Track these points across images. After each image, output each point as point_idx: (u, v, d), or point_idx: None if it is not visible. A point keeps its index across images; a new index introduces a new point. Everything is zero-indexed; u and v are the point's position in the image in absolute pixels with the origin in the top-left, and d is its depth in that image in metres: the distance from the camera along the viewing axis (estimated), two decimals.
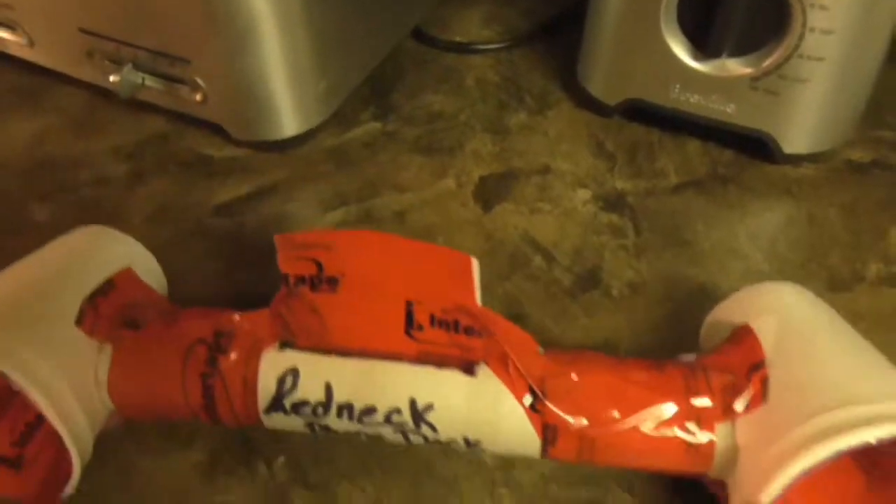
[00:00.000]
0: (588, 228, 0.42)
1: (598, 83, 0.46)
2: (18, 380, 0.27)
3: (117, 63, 0.43)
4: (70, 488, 0.30)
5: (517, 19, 0.55)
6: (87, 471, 0.31)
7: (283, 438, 0.34)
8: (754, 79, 0.40)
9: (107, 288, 0.32)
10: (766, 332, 0.29)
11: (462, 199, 0.44)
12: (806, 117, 0.41)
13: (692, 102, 0.43)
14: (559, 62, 0.52)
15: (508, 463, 0.33)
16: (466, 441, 0.31)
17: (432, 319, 0.30)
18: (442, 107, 0.49)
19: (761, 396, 0.27)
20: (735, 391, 0.28)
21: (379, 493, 0.33)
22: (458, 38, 0.53)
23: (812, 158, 0.44)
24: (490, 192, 0.44)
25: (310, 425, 0.31)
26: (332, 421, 0.31)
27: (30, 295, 0.31)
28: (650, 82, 0.43)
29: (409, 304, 0.30)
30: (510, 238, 0.42)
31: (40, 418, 0.32)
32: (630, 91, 0.45)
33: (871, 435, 0.24)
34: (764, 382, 0.28)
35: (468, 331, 0.30)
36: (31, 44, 0.46)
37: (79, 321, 0.30)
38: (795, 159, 0.44)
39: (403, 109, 0.49)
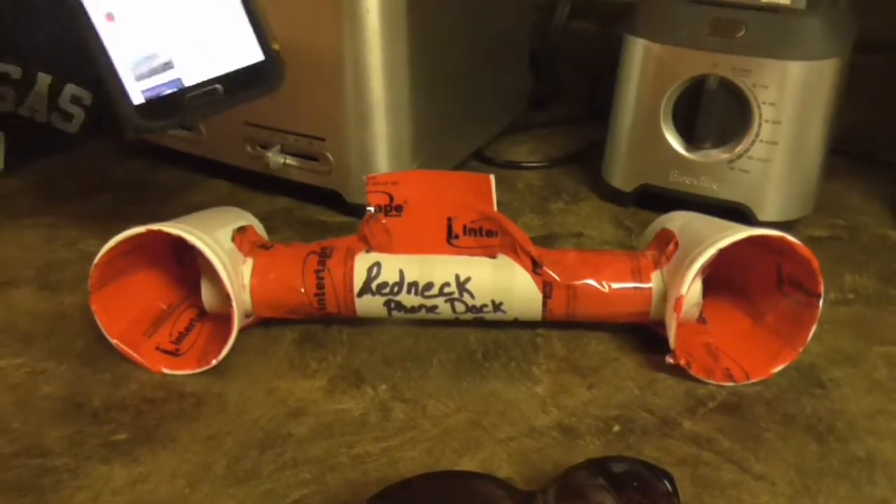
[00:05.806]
0: None
1: (618, 175, 0.62)
2: (210, 257, 0.43)
3: (266, 147, 0.60)
4: (225, 351, 0.44)
5: (553, 151, 0.73)
6: (240, 389, 0.44)
7: (385, 372, 0.45)
8: (730, 161, 0.56)
9: (243, 229, 0.48)
10: (674, 226, 0.47)
11: None
12: (771, 189, 0.56)
13: (687, 183, 0.58)
14: (586, 176, 0.68)
15: (556, 393, 0.44)
16: (494, 304, 0.45)
17: (465, 229, 0.46)
18: (499, 198, 0.64)
19: (675, 249, 0.45)
20: (659, 255, 0.46)
21: (458, 406, 0.43)
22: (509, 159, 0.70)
23: (781, 229, 0.58)
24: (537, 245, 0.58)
25: (387, 304, 0.45)
26: (404, 297, 0.45)
27: (209, 222, 0.47)
28: (656, 170, 0.59)
29: (449, 220, 0.46)
30: None
31: (189, 327, 0.48)
32: (641, 178, 0.60)
33: (717, 247, 0.42)
34: (676, 244, 0.45)
35: (489, 233, 0.46)
36: (203, 139, 0.63)
37: (233, 239, 0.46)
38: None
39: None
